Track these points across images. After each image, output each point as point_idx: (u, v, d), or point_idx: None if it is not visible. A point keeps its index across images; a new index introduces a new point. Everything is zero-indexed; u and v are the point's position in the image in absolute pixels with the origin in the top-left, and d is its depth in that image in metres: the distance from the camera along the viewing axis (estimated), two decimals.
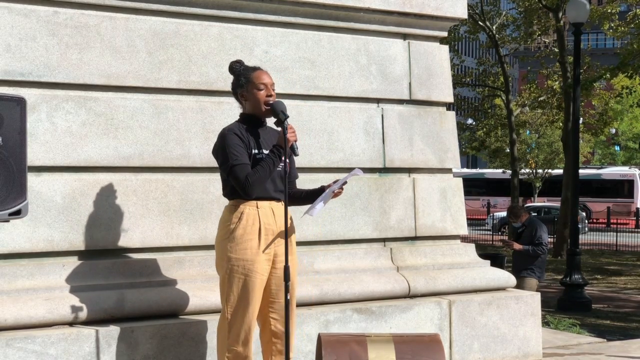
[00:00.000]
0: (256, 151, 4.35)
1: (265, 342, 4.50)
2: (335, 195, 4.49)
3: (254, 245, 4.29)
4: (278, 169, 4.36)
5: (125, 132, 5.17)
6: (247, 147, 4.33)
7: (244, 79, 4.45)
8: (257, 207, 4.31)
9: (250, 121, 4.45)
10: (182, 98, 5.41)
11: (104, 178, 5.09)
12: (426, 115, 6.32)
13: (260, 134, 4.44)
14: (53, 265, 4.88)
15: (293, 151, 4.36)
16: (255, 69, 4.50)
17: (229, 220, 4.34)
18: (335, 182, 4.47)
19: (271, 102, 4.41)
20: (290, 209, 4.44)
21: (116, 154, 5.13)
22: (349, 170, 5.88)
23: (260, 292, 4.34)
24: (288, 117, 4.32)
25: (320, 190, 4.51)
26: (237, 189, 4.31)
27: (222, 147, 4.33)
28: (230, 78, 5.52)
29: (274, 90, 4.47)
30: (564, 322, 9.45)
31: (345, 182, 4.47)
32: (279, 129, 4.35)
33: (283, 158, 4.28)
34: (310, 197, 4.53)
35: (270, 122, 4.50)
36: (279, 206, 4.39)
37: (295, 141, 4.33)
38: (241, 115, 4.53)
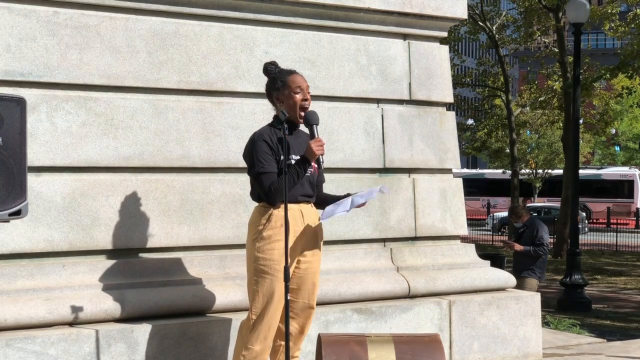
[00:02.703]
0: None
1: (276, 340, 4.53)
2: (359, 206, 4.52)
3: (281, 246, 4.31)
4: (307, 174, 4.40)
5: (125, 132, 5.17)
6: (275, 154, 4.36)
7: (280, 82, 4.46)
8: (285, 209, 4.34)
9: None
10: (182, 98, 5.41)
11: (104, 178, 5.09)
12: (426, 115, 6.32)
13: (292, 138, 4.45)
14: (53, 265, 4.88)
15: (318, 164, 4.40)
16: (291, 72, 4.52)
17: (258, 222, 4.38)
18: (358, 194, 4.51)
19: (307, 106, 4.45)
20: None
21: (116, 154, 5.13)
22: (349, 170, 5.90)
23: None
24: (318, 123, 4.39)
25: (346, 196, 4.56)
26: (262, 196, 4.38)
27: (251, 153, 4.38)
28: (230, 78, 5.55)
29: (309, 92, 4.50)
30: (564, 322, 9.45)
31: (370, 197, 4.50)
32: (314, 132, 4.39)
33: (312, 164, 4.36)
34: (335, 201, 4.59)
35: (302, 126, 4.53)
36: (308, 208, 4.46)
37: (322, 154, 4.35)
38: (275, 117, 4.52)
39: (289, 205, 4.33)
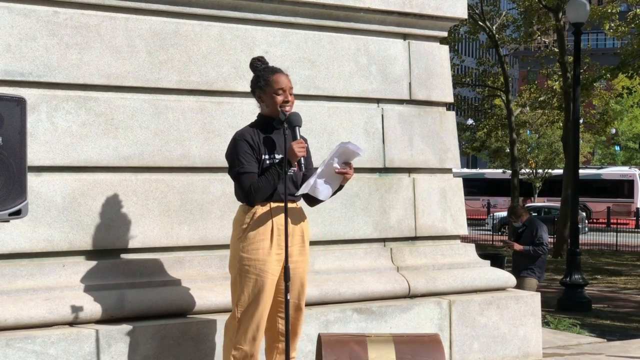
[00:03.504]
0: (266, 156, 4.35)
1: (270, 341, 4.52)
2: (345, 179, 4.38)
3: (266, 245, 4.31)
4: (290, 173, 4.36)
5: (125, 132, 5.17)
6: (257, 153, 4.33)
7: (263, 81, 4.42)
8: (270, 208, 4.33)
9: (266, 123, 4.44)
10: (182, 98, 5.41)
11: (104, 178, 5.09)
12: (426, 115, 6.32)
13: (274, 138, 4.42)
14: (53, 265, 4.88)
15: (299, 167, 4.32)
16: (275, 71, 4.45)
17: (242, 221, 4.36)
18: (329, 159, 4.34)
19: (287, 108, 4.40)
20: (306, 210, 4.50)
21: (116, 154, 5.13)
22: None
23: (271, 292, 4.36)
24: (300, 125, 4.32)
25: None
26: (241, 196, 4.36)
27: (232, 153, 4.37)
28: (230, 78, 5.55)
29: (292, 94, 4.46)
30: (564, 322, 9.45)
31: (347, 161, 4.35)
32: (296, 134, 4.33)
33: (293, 166, 4.30)
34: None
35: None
36: (292, 207, 4.42)
37: (304, 157, 4.30)
38: (258, 115, 4.52)
39: (273, 205, 4.33)
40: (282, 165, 4.26)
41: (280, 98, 4.39)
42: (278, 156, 4.35)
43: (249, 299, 4.31)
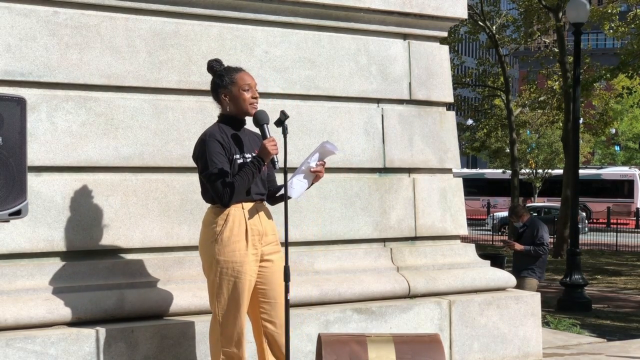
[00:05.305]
0: (237, 156, 4.32)
1: (259, 343, 4.50)
2: (317, 177, 4.42)
3: (242, 247, 4.28)
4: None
5: (125, 132, 5.17)
6: (228, 153, 4.30)
7: (227, 79, 4.40)
8: (242, 209, 4.31)
9: (232, 123, 4.42)
10: (182, 98, 5.41)
11: (104, 178, 5.09)
12: (426, 115, 6.32)
13: (241, 137, 4.41)
14: (53, 265, 4.88)
15: (273, 164, 4.31)
16: (239, 70, 4.47)
17: (214, 222, 4.31)
18: (307, 159, 4.39)
19: (256, 105, 4.40)
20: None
21: (116, 154, 5.13)
22: (349, 170, 5.90)
23: (249, 293, 4.34)
24: (268, 122, 4.30)
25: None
26: (215, 198, 4.31)
27: (203, 154, 4.30)
28: None
29: (257, 90, 4.47)
30: (564, 322, 9.45)
31: (322, 161, 4.39)
32: (265, 132, 4.33)
33: (264, 164, 4.29)
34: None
35: (249, 124, 4.48)
36: (262, 206, 4.43)
37: (277, 154, 4.28)
38: (221, 116, 4.48)
39: (245, 204, 4.31)
40: (256, 165, 4.23)
41: (248, 95, 4.39)
42: (248, 155, 4.34)
43: (229, 302, 4.29)
